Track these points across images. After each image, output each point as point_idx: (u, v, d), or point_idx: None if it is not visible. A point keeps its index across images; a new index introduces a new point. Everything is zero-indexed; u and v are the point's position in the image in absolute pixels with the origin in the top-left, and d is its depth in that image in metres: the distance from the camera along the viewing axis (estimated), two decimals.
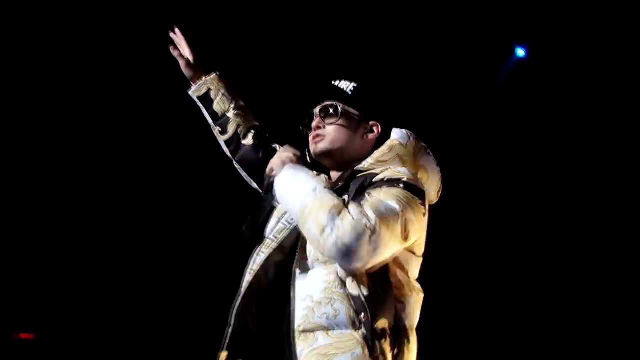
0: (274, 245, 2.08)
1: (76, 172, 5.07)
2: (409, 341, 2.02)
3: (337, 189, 2.04)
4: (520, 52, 4.96)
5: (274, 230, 2.12)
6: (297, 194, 1.95)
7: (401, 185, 2.00)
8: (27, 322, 5.09)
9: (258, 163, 2.35)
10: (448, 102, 5.01)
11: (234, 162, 2.44)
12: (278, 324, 1.99)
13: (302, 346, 1.90)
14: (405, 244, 2.00)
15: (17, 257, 5.01)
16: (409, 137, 2.19)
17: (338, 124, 2.19)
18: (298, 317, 1.93)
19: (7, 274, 4.99)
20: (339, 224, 1.85)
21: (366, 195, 1.97)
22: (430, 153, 2.23)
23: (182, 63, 2.44)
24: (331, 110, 2.20)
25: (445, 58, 4.86)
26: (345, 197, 2.00)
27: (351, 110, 2.21)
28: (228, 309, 2.09)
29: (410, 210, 1.97)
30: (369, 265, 1.92)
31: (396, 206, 1.94)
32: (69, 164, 5.04)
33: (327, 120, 2.20)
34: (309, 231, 1.90)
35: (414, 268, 2.12)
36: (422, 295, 2.11)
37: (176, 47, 2.44)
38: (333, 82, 2.27)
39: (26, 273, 5.03)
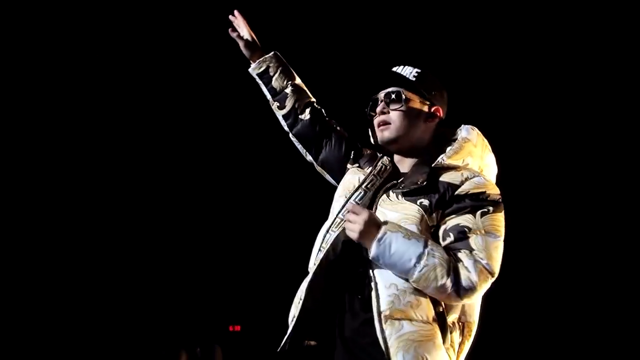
0: (344, 224, 2.16)
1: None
2: (470, 335, 2.17)
3: (419, 189, 2.14)
4: None
5: (343, 210, 2.21)
6: (403, 267, 2.04)
7: (490, 209, 2.10)
8: (235, 316, 5.83)
9: (315, 137, 2.50)
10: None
11: (290, 134, 2.55)
12: (342, 298, 2.12)
13: (390, 331, 2.01)
14: None
15: (225, 263, 5.74)
16: (477, 136, 2.28)
17: (402, 110, 2.25)
18: (384, 302, 2.03)
19: (220, 278, 5.75)
20: (461, 284, 2.00)
21: (465, 229, 2.07)
22: (491, 150, 2.31)
23: (241, 44, 2.52)
24: (395, 97, 2.26)
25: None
26: (427, 201, 2.11)
27: (414, 96, 2.27)
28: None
29: (504, 231, 2.12)
30: None
31: (498, 238, 2.08)
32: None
33: (392, 106, 2.26)
34: (434, 293, 2.04)
35: None
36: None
37: (234, 30, 2.53)
38: (396, 68, 2.32)
39: (233, 276, 5.76)
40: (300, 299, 2.18)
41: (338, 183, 2.42)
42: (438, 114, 2.31)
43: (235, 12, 2.58)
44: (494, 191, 2.14)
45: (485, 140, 2.31)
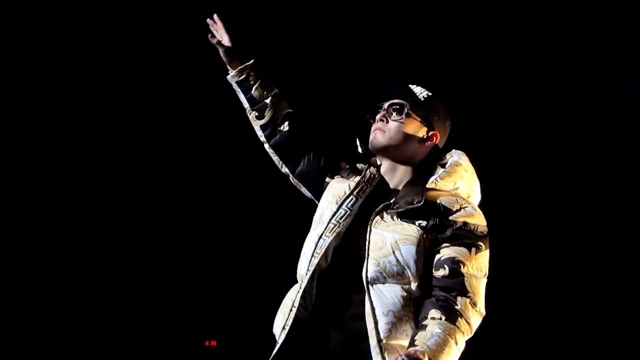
0: (337, 230, 2.21)
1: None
2: None
3: (415, 209, 2.17)
4: None
5: (336, 216, 2.24)
6: None
7: (482, 246, 2.17)
8: (211, 331, 5.57)
9: (293, 149, 2.49)
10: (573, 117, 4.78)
11: (266, 145, 2.54)
12: (334, 309, 2.14)
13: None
14: None
15: (200, 274, 5.49)
16: (468, 162, 2.35)
17: (400, 122, 2.33)
18: (382, 330, 2.06)
19: (195, 290, 5.50)
20: (468, 335, 2.11)
21: (460, 264, 2.13)
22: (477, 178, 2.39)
23: (221, 50, 2.48)
24: (398, 109, 2.35)
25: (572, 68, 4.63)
26: (424, 222, 2.15)
27: (417, 115, 2.35)
28: None
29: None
30: None
31: (486, 276, 2.19)
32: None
33: (393, 117, 2.34)
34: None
35: None
36: None
37: (214, 35, 2.48)
38: (410, 85, 2.41)
39: (209, 287, 5.50)
40: (293, 307, 2.16)
41: (314, 196, 2.48)
42: (434, 139, 2.37)
43: (215, 16, 2.51)
44: (484, 223, 2.22)
45: (473, 168, 2.38)
